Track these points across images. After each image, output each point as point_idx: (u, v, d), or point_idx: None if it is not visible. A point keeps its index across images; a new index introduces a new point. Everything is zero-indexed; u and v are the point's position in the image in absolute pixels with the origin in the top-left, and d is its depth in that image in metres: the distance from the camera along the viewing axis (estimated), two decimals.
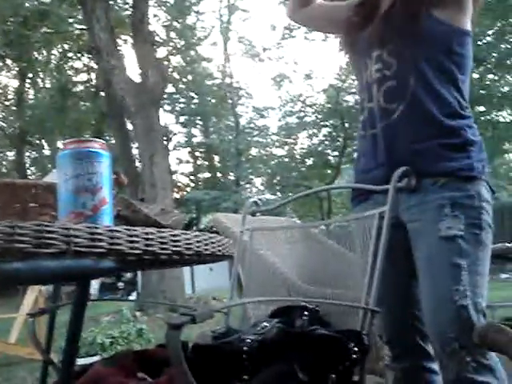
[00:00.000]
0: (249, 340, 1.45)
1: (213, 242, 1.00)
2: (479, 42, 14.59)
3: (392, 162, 1.75)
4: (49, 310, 1.78)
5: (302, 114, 25.80)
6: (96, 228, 0.80)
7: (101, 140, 1.10)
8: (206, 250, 0.97)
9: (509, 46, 15.86)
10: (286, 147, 27.48)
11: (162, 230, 0.89)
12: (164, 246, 0.87)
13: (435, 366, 1.84)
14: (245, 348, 1.43)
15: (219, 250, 1.02)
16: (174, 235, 0.90)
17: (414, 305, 1.86)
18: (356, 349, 1.39)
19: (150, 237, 0.85)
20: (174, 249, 0.89)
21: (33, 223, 0.75)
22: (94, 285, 16.08)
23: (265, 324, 1.58)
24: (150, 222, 1.50)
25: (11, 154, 28.74)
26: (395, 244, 1.62)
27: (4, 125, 27.49)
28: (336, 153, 25.40)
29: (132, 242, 0.82)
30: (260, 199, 2.11)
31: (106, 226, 0.88)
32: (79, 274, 0.86)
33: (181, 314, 1.20)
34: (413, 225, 1.76)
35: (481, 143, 1.79)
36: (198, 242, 0.95)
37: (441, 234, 1.67)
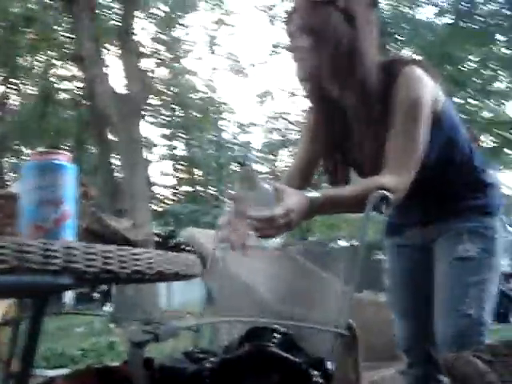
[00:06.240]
0: (212, 359, 1.44)
1: (177, 261, 0.97)
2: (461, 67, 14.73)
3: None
4: (12, 321, 1.74)
5: (285, 131, 25.85)
6: (51, 244, 0.77)
7: (66, 152, 1.07)
8: (169, 269, 0.94)
9: (492, 73, 16.00)
10: (268, 164, 27.50)
11: (123, 247, 0.86)
12: (123, 265, 0.83)
13: (444, 379, 2.01)
14: (207, 365, 1.42)
15: (183, 270, 0.99)
16: (134, 254, 0.86)
17: (433, 320, 2.00)
18: (319, 378, 1.38)
19: (109, 255, 0.82)
20: (135, 268, 0.85)
21: None
22: (70, 295, 15.93)
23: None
24: (118, 237, 1.46)
25: None
26: (421, 263, 2.03)
27: None
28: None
29: (89, 259, 0.79)
30: None
31: (63, 241, 0.85)
32: (35, 290, 0.83)
33: (144, 332, 1.17)
34: (437, 247, 2.01)
35: (497, 185, 2.06)
36: (160, 260, 0.92)
37: (458, 254, 1.91)
